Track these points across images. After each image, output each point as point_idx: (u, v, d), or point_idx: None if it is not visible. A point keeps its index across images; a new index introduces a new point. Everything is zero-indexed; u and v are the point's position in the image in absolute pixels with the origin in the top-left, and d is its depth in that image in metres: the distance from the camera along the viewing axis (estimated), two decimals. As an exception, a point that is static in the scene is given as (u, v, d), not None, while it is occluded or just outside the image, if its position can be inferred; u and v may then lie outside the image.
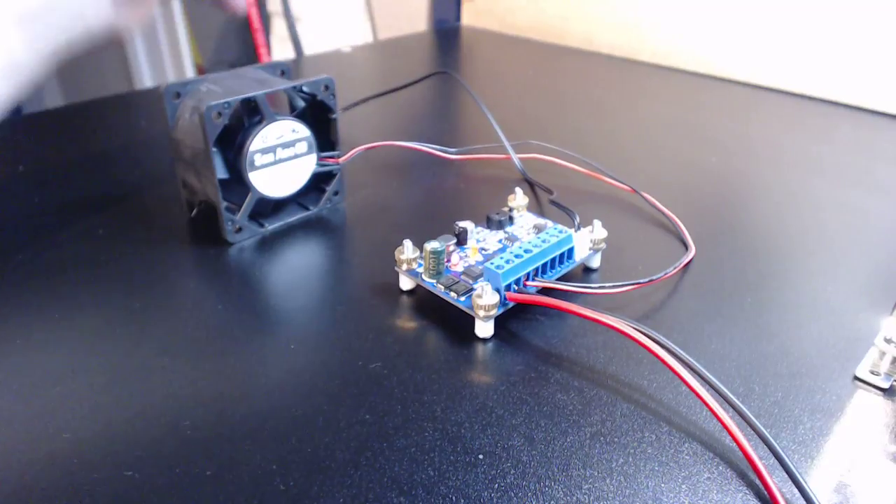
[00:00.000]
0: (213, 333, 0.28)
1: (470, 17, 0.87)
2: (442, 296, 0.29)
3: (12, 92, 0.28)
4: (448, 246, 0.31)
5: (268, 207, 0.36)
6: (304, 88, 0.35)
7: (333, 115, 0.37)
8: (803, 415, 0.24)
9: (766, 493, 0.21)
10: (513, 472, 0.22)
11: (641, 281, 0.30)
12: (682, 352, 0.24)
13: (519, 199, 0.36)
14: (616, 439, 0.23)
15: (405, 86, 0.51)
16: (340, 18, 1.11)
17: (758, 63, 0.63)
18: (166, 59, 1.30)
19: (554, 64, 0.71)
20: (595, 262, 0.33)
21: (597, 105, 0.59)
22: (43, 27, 0.28)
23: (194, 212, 0.37)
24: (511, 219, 0.35)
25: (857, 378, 0.26)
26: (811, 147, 0.49)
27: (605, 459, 0.23)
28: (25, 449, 0.23)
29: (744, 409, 0.23)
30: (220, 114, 0.31)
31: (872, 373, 0.26)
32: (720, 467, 0.22)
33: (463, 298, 0.28)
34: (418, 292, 0.31)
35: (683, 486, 0.22)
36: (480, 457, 0.23)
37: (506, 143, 0.43)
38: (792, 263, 0.34)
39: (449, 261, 0.31)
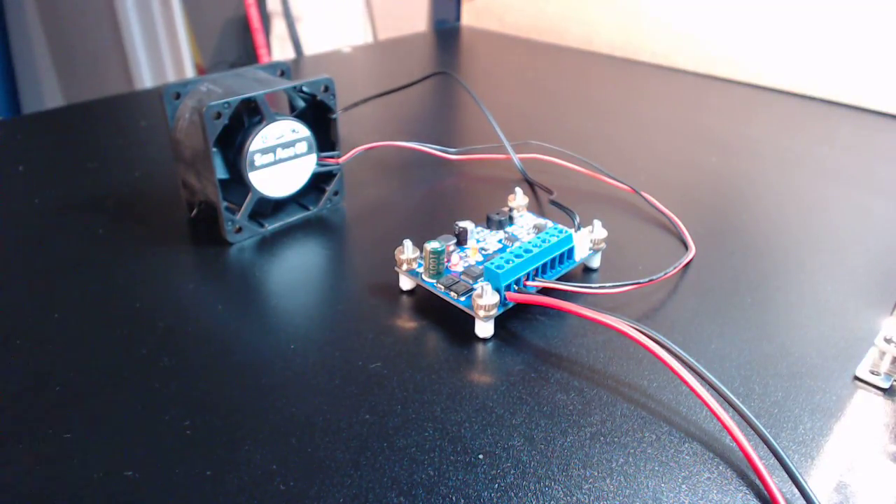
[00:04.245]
0: (213, 333, 0.28)
1: (470, 17, 0.87)
2: (442, 296, 0.29)
3: None
4: (448, 246, 0.31)
5: (268, 207, 0.36)
6: (304, 88, 0.35)
7: (333, 116, 0.37)
8: (803, 415, 0.24)
9: (766, 493, 0.21)
10: (513, 472, 0.22)
11: (641, 281, 0.30)
12: (682, 352, 0.24)
13: (519, 199, 0.36)
14: (616, 439, 0.23)
15: (405, 86, 0.51)
16: (340, 18, 1.11)
17: (758, 63, 0.63)
18: (166, 59, 1.30)
19: (554, 64, 0.71)
20: (595, 262, 0.33)
21: (597, 105, 0.59)
22: None
23: (194, 212, 0.37)
24: (511, 219, 0.35)
25: (857, 378, 0.26)
26: (811, 147, 0.49)
27: (605, 459, 0.23)
28: (26, 449, 0.23)
29: (744, 409, 0.23)
30: (220, 114, 0.31)
31: (872, 373, 0.26)
32: (720, 467, 0.22)
33: (463, 298, 0.28)
34: (418, 292, 0.31)
35: (683, 486, 0.22)
36: (480, 457, 0.23)
37: (506, 143, 0.43)
38: (792, 263, 0.34)
39: (449, 261, 0.31)
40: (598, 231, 0.32)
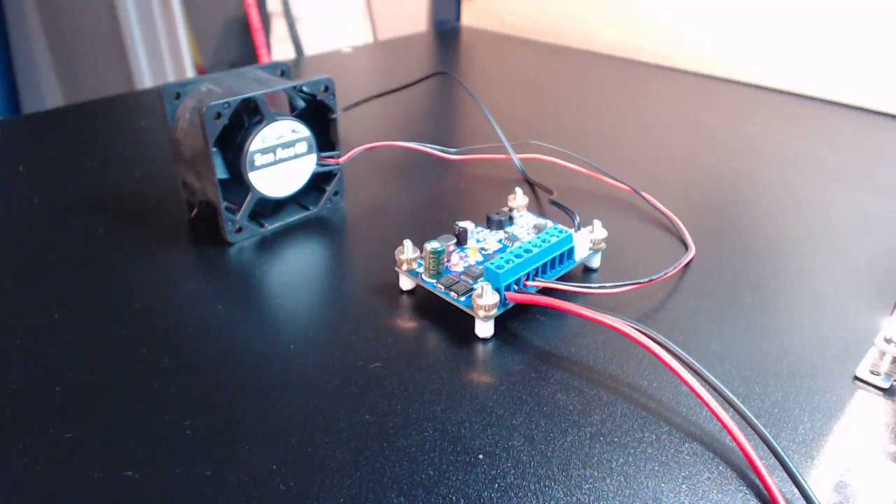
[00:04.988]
0: (213, 333, 0.28)
1: (470, 17, 0.87)
2: (442, 296, 0.29)
3: None
4: (448, 246, 0.31)
5: (268, 207, 0.36)
6: (304, 88, 0.35)
7: (333, 116, 0.37)
8: (803, 415, 0.24)
9: (766, 493, 0.21)
10: (513, 472, 0.22)
11: (641, 281, 0.30)
12: (682, 352, 0.24)
13: (519, 199, 0.36)
14: (616, 439, 0.23)
15: (405, 86, 0.51)
16: (340, 18, 1.11)
17: (758, 63, 0.63)
18: (166, 59, 1.30)
19: (554, 64, 0.71)
20: (595, 262, 0.33)
21: (597, 105, 0.59)
22: None
23: (194, 212, 0.37)
24: (511, 219, 0.35)
25: (857, 378, 0.26)
26: (811, 147, 0.49)
27: (605, 459, 0.23)
28: (26, 449, 0.23)
29: (744, 409, 0.23)
30: (220, 114, 0.31)
31: (872, 373, 0.26)
32: (720, 467, 0.22)
33: (463, 298, 0.28)
34: (418, 292, 0.31)
35: (683, 486, 0.22)
36: (480, 457, 0.23)
37: (506, 143, 0.43)
38: (792, 263, 0.34)
39: (449, 261, 0.31)
40: (598, 231, 0.32)
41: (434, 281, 0.30)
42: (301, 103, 0.35)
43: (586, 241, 0.32)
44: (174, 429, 0.23)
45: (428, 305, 0.30)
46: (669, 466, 0.22)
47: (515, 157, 0.43)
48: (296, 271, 0.33)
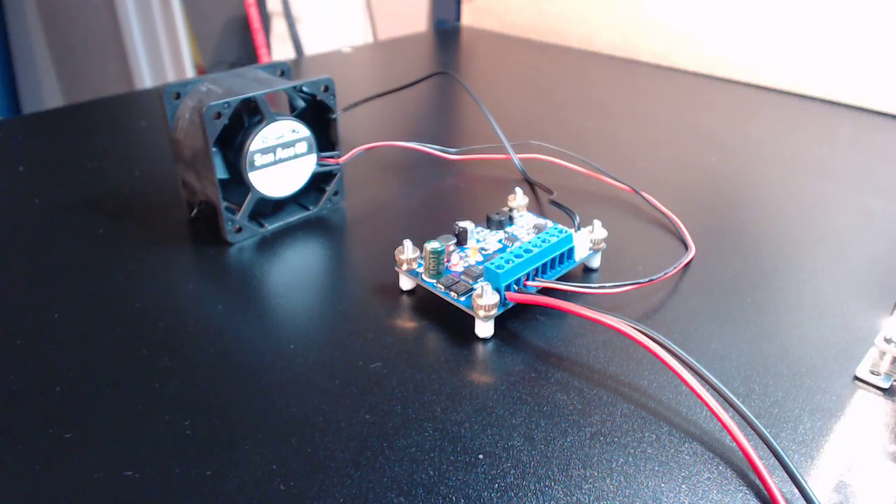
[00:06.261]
0: (213, 333, 0.28)
1: (470, 17, 0.87)
2: (442, 296, 0.29)
3: None
4: (448, 246, 0.31)
5: (268, 207, 0.36)
6: (304, 88, 0.35)
7: (333, 116, 0.37)
8: (803, 415, 0.24)
9: (766, 493, 0.21)
10: (513, 472, 0.22)
11: (641, 281, 0.30)
12: (682, 352, 0.24)
13: (519, 199, 0.36)
14: (616, 439, 0.23)
15: (405, 86, 0.51)
16: (340, 18, 1.11)
17: (758, 63, 0.63)
18: (166, 59, 1.30)
19: (554, 64, 0.71)
20: (595, 262, 0.33)
21: (597, 105, 0.59)
22: None
23: (194, 212, 0.37)
24: (511, 219, 0.35)
25: (857, 378, 0.26)
26: (811, 147, 0.49)
27: (605, 459, 0.23)
28: (26, 449, 0.23)
29: (744, 409, 0.23)
30: (220, 114, 0.31)
31: (872, 373, 0.26)
32: (720, 467, 0.22)
33: (463, 298, 0.28)
34: (418, 292, 0.31)
35: (683, 486, 0.22)
36: (480, 457, 0.23)
37: (506, 143, 0.43)
38: (792, 263, 0.34)
39: (449, 261, 0.31)
40: (598, 231, 0.32)
41: (434, 281, 0.30)
42: (301, 103, 0.35)
43: (586, 241, 0.32)
44: (174, 429, 0.23)
45: (428, 305, 0.30)
46: (669, 466, 0.22)
47: (515, 157, 0.43)
48: (296, 271, 0.33)
